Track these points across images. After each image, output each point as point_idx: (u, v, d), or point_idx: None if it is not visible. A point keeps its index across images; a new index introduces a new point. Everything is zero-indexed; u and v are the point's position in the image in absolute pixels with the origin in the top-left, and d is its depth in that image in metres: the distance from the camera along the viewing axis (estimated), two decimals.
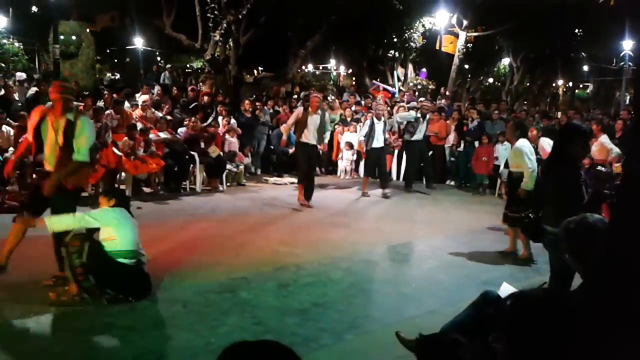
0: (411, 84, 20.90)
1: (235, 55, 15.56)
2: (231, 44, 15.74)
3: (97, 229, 4.73)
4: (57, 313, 4.43)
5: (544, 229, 4.24)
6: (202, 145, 10.64)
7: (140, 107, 11.07)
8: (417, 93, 19.22)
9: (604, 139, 10.21)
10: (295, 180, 11.56)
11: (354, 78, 30.63)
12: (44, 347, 3.93)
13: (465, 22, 20.00)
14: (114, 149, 9.29)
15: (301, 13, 15.43)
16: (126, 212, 4.93)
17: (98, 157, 9.11)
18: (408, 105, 13.13)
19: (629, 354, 1.44)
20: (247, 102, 13.15)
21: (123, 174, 9.49)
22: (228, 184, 10.99)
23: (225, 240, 6.99)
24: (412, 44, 21.13)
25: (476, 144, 12.40)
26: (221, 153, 10.83)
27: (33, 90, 12.09)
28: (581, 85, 37.83)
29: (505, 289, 3.53)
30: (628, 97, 25.18)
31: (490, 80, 31.69)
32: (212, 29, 14.49)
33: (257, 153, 13.03)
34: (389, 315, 4.82)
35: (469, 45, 20.63)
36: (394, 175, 13.16)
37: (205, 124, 11.41)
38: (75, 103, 5.43)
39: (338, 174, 13.40)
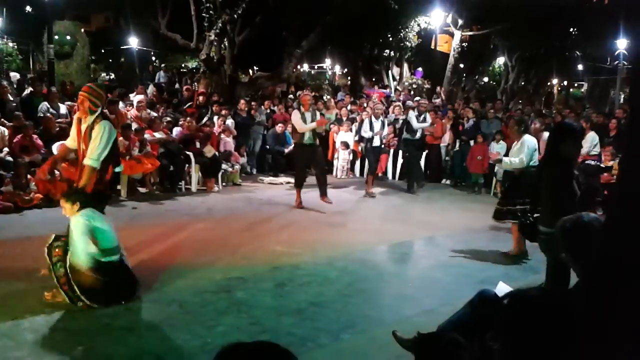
0: (406, 83, 20.90)
1: (231, 54, 15.54)
2: (226, 44, 15.71)
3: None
4: (52, 314, 4.41)
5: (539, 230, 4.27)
6: (198, 145, 10.62)
7: (135, 107, 11.04)
8: (412, 92, 19.23)
9: (590, 136, 10.51)
10: (290, 179, 11.55)
11: (349, 77, 30.65)
12: (40, 349, 3.91)
13: (460, 22, 20.01)
14: None
15: (297, 13, 15.42)
16: (91, 209, 4.70)
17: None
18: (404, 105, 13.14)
19: (627, 352, 1.44)
20: (242, 101, 13.14)
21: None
22: (224, 184, 10.98)
23: (221, 240, 6.97)
24: (407, 43, 21.15)
25: (472, 143, 12.43)
26: (217, 153, 10.81)
27: (27, 90, 12.03)
28: (576, 84, 37.91)
29: (502, 288, 3.54)
30: (622, 96, 25.25)
31: (486, 79, 31.75)
32: (207, 29, 14.47)
33: (253, 153, 13.01)
34: (385, 314, 4.83)
35: (464, 44, 20.62)
36: (389, 175, 13.18)
37: (200, 123, 11.39)
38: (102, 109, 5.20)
39: (334, 173, 13.39)
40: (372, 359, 3.99)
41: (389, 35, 20.84)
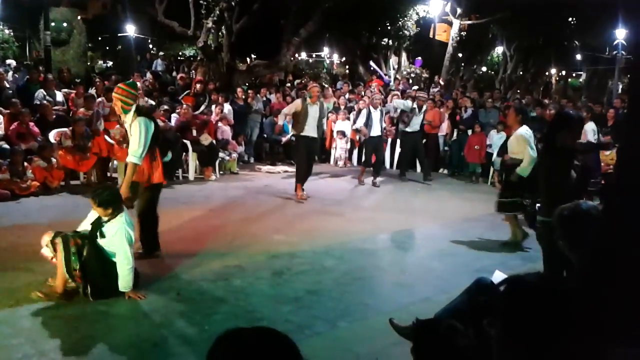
0: (405, 72, 20.84)
1: (228, 42, 15.45)
2: (224, 32, 15.62)
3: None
4: (50, 301, 4.41)
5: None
6: (194, 133, 10.59)
7: None
8: (410, 81, 19.18)
9: (589, 126, 10.43)
10: (288, 168, 11.54)
11: (347, 66, 30.52)
12: (37, 336, 3.91)
13: (459, 10, 19.93)
14: (106, 137, 9.24)
15: (294, 0, 15.34)
16: (126, 211, 4.71)
17: (90, 146, 9.07)
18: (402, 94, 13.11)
19: (625, 342, 1.45)
20: (239, 90, 13.09)
21: (115, 162, 9.44)
22: (221, 172, 10.96)
23: (219, 229, 6.98)
24: (405, 32, 21.05)
25: (469, 132, 12.43)
26: (214, 141, 10.78)
27: (24, 77, 11.98)
28: (574, 74, 37.85)
29: (498, 277, 3.55)
30: (620, 86, 25.23)
31: (484, 68, 31.67)
32: (204, 16, 14.38)
33: (250, 141, 12.99)
34: (382, 302, 4.84)
35: (462, 33, 20.56)
36: (387, 164, 13.18)
37: (197, 112, 11.35)
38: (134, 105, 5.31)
39: (331, 162, 13.39)
40: (368, 346, 4.01)
41: (388, 24, 20.73)
